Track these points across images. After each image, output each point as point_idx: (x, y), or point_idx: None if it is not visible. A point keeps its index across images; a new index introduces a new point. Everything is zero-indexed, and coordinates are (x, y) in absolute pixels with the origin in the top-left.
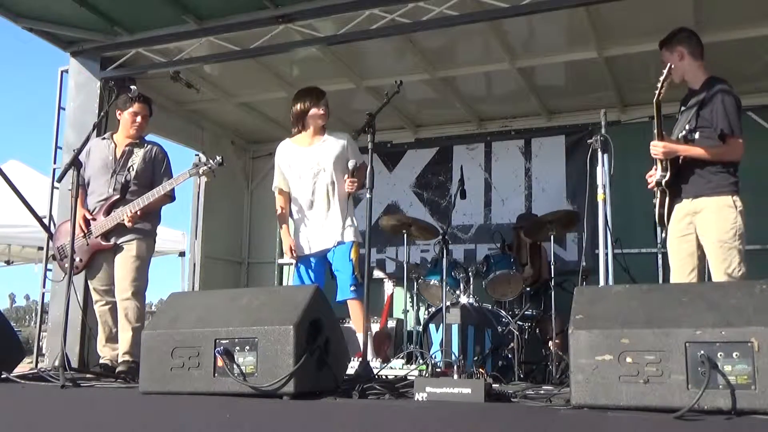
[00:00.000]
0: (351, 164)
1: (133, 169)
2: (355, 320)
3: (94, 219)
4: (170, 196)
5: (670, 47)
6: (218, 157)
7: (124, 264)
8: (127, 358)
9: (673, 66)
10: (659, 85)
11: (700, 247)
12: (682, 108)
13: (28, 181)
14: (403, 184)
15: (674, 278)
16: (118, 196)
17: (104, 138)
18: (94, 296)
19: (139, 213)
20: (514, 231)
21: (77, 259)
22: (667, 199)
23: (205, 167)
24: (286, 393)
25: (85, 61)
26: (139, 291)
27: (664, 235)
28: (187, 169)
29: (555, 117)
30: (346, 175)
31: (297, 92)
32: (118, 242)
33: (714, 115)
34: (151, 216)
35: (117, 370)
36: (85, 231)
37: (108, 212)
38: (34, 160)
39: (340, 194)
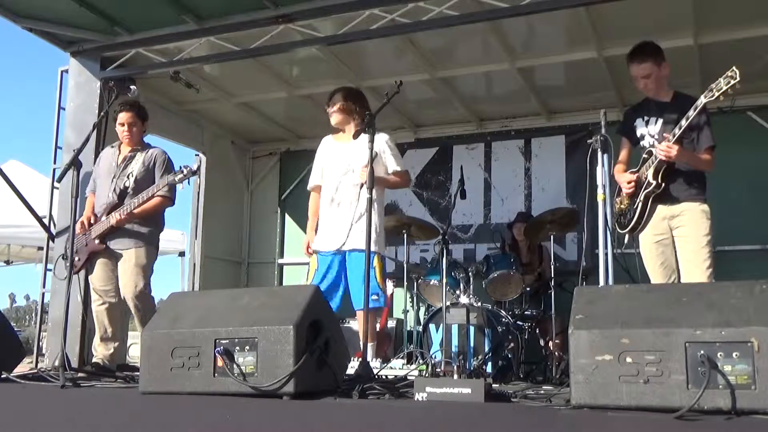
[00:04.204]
0: (378, 150)
1: (132, 175)
2: (371, 329)
3: (96, 222)
4: (170, 199)
5: (657, 60)
6: (194, 165)
7: (125, 271)
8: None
9: (653, 78)
10: (725, 91)
11: (675, 253)
12: (645, 117)
13: (28, 181)
14: None
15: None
16: (117, 201)
17: (112, 146)
18: (93, 296)
19: (124, 216)
20: (509, 228)
21: (76, 258)
22: (648, 205)
23: (181, 175)
24: (286, 393)
25: (85, 61)
26: (142, 296)
27: (627, 239)
28: (167, 176)
29: (555, 117)
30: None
31: None
32: (118, 249)
33: (703, 131)
34: (150, 221)
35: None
36: (87, 231)
37: (108, 216)
38: (34, 160)
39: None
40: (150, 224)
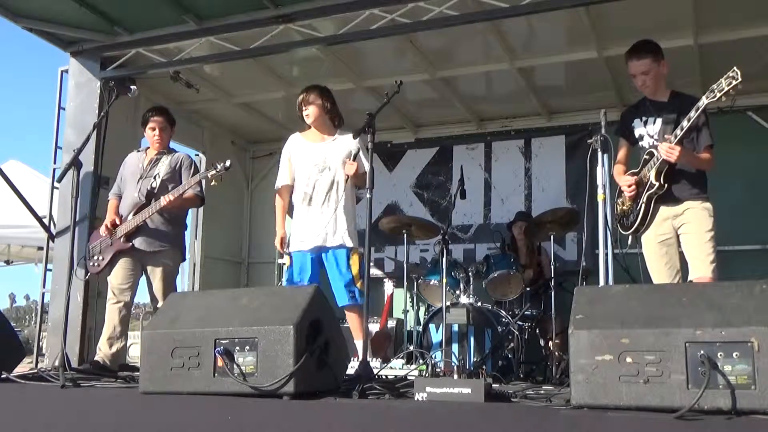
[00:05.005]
0: (354, 150)
1: (159, 176)
2: (354, 327)
3: (121, 223)
4: (201, 198)
5: (657, 57)
6: (227, 162)
7: (155, 276)
8: None
9: (652, 75)
10: (727, 91)
11: (679, 252)
12: (644, 118)
13: (28, 181)
14: (403, 184)
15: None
16: (144, 202)
17: (138, 150)
18: (109, 294)
19: (153, 213)
20: (509, 228)
21: (100, 258)
22: (651, 206)
23: (214, 171)
24: (286, 393)
25: (85, 61)
26: None
27: (630, 240)
28: (199, 173)
29: (555, 117)
30: (348, 160)
31: None
32: (145, 249)
33: (702, 131)
34: (177, 222)
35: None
36: (112, 232)
37: (135, 216)
38: (34, 160)
39: (344, 195)
40: (176, 225)
